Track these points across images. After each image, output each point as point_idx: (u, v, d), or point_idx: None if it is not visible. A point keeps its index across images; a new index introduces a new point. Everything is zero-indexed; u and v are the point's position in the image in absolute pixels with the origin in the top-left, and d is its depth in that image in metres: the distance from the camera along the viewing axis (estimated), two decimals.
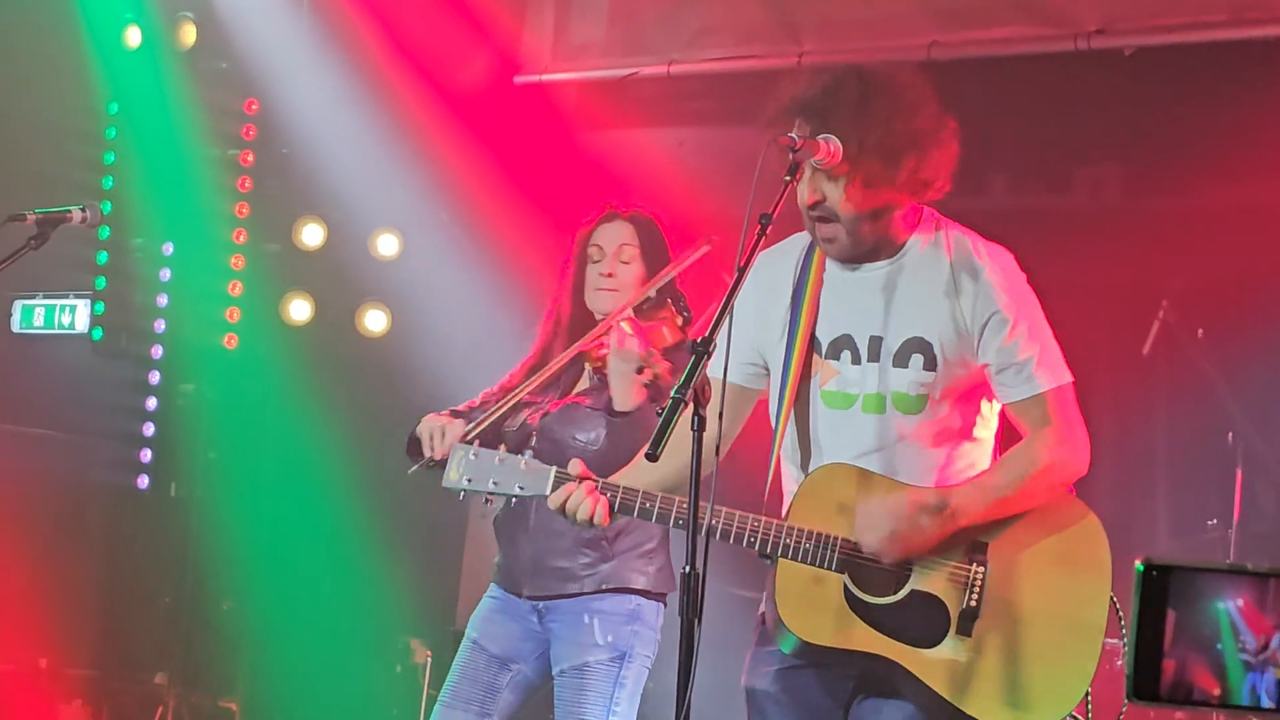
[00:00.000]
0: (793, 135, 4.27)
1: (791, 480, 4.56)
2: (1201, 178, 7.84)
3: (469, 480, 4.44)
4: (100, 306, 9.66)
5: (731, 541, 4.33)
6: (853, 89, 4.40)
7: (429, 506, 9.84)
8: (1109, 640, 4.57)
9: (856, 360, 4.49)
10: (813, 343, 4.55)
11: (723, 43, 8.75)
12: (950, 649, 4.29)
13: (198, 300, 9.70)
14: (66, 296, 9.80)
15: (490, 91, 9.31)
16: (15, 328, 9.92)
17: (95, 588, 9.87)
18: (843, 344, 4.51)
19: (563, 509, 4.43)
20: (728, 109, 8.99)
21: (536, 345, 5.65)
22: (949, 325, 4.43)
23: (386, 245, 9.59)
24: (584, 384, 5.56)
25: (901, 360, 4.44)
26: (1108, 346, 7.83)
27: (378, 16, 9.18)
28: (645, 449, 3.92)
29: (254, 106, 9.66)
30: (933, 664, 4.28)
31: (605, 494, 4.44)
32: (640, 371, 5.04)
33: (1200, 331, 7.90)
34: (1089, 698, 4.34)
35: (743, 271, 4.10)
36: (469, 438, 5.32)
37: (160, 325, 9.74)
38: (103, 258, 9.69)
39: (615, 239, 5.53)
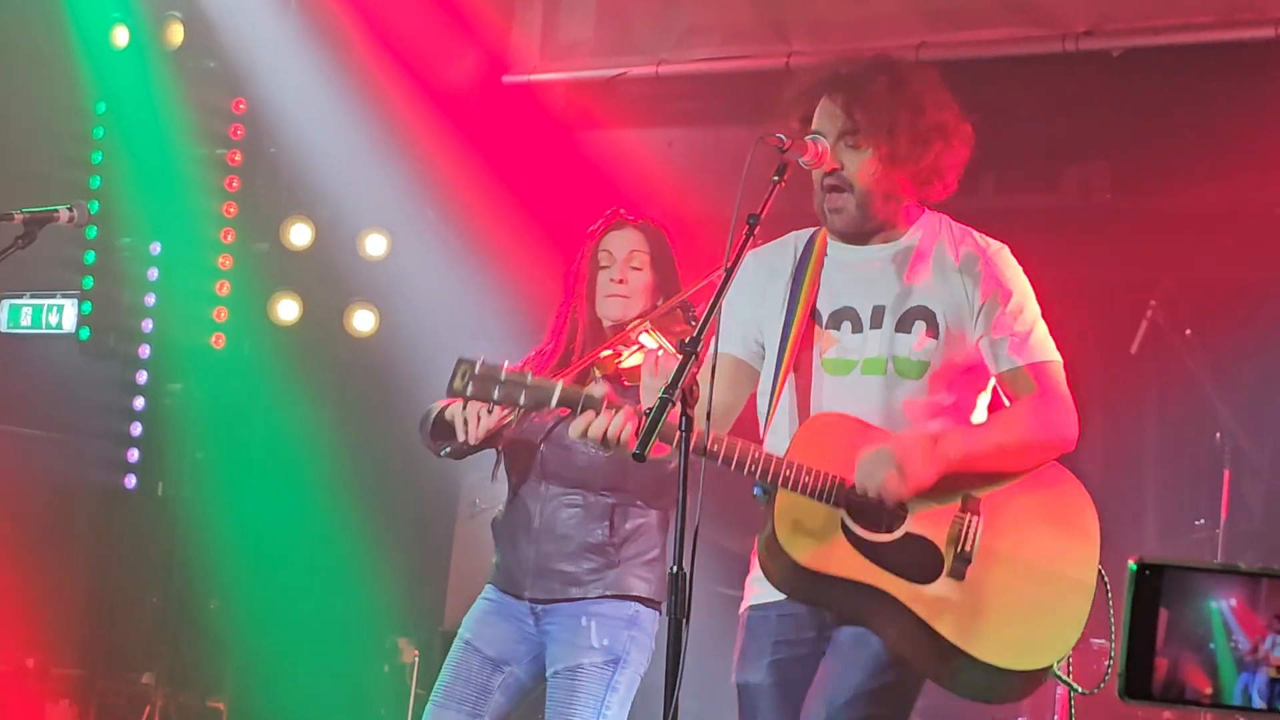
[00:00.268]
0: (780, 135, 4.32)
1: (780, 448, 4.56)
2: (1190, 177, 7.85)
3: (472, 388, 4.36)
4: (88, 306, 9.64)
5: (733, 467, 4.31)
6: (887, 71, 4.59)
7: (417, 506, 9.85)
8: (1095, 640, 4.59)
9: (858, 329, 4.58)
10: (813, 315, 4.63)
11: (711, 43, 8.74)
12: (943, 588, 4.31)
13: (185, 300, 9.68)
14: (54, 296, 9.78)
15: (478, 91, 9.30)
16: (2, 328, 9.89)
17: (83, 587, 9.85)
18: (844, 315, 4.61)
19: (585, 431, 4.33)
20: (716, 109, 8.99)
21: (555, 348, 5.60)
22: (952, 297, 4.55)
23: (374, 245, 9.58)
24: (589, 390, 5.54)
25: (905, 326, 4.54)
26: (1095, 346, 7.83)
27: (365, 16, 9.16)
28: (633, 449, 3.92)
29: (242, 106, 9.65)
30: (926, 599, 4.30)
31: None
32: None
33: (1188, 331, 7.91)
34: (1070, 663, 4.36)
35: (730, 271, 4.11)
36: (509, 418, 5.30)
37: (148, 325, 9.72)
38: (90, 257, 9.67)
39: (625, 246, 5.52)
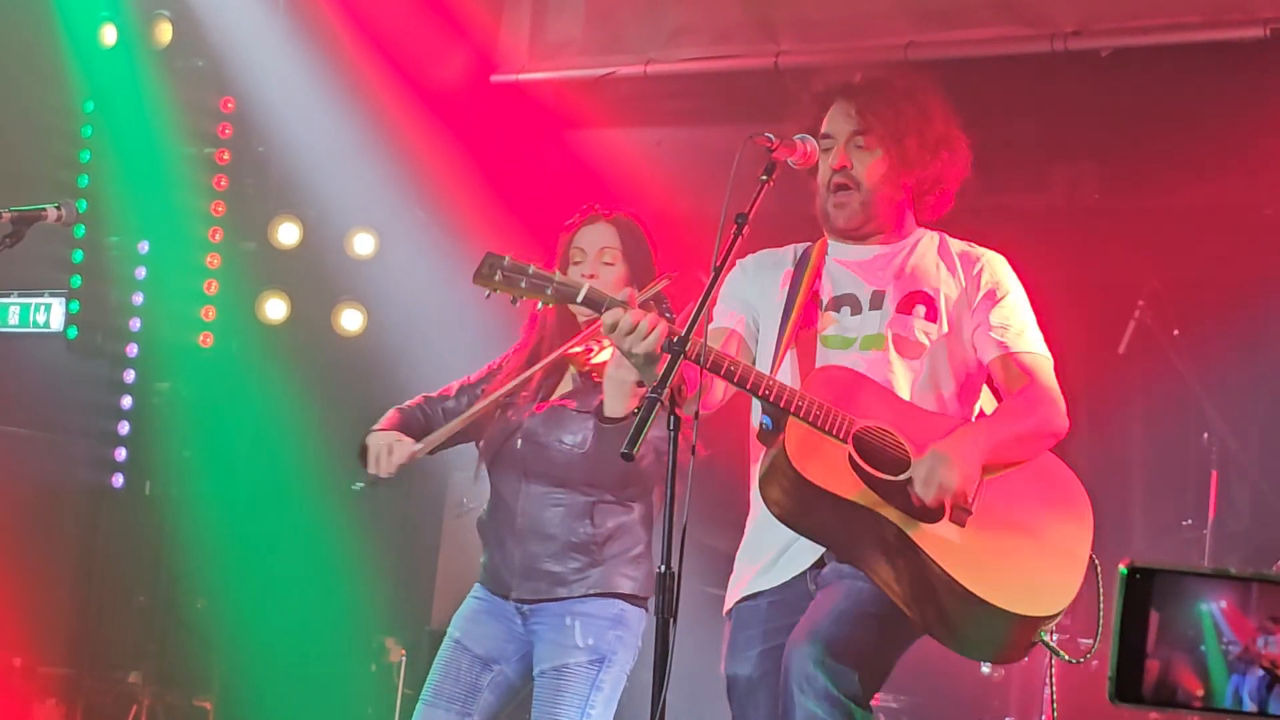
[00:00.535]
0: (769, 135, 4.35)
1: None
2: (1178, 178, 7.85)
3: (500, 276, 4.35)
4: (75, 305, 9.63)
5: (748, 388, 4.34)
6: (898, 80, 4.76)
7: (404, 505, 9.84)
8: (1083, 640, 4.59)
9: (858, 311, 4.66)
10: (813, 300, 4.70)
11: (700, 42, 8.73)
12: (946, 529, 4.33)
13: (173, 299, 9.67)
14: (42, 295, 9.75)
15: (467, 90, 9.29)
16: None
17: (70, 586, 9.83)
18: (844, 300, 4.69)
19: (615, 326, 4.28)
20: (705, 109, 8.98)
21: (522, 346, 5.62)
22: (952, 285, 4.66)
23: (363, 244, 9.57)
24: (566, 386, 5.54)
25: (906, 308, 4.63)
26: (1083, 346, 7.82)
27: (354, 15, 9.15)
28: (622, 448, 3.92)
29: (230, 105, 9.64)
30: (929, 534, 4.31)
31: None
32: (641, 385, 5.01)
33: (1176, 331, 7.92)
34: (1054, 633, 4.38)
35: (719, 271, 4.12)
36: (420, 450, 5.34)
37: (136, 323, 9.70)
38: (78, 256, 9.66)
39: (597, 241, 5.52)
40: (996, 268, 4.70)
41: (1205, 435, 7.92)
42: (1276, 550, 7.65)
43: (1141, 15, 7.70)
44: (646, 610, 5.47)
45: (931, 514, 4.32)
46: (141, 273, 9.67)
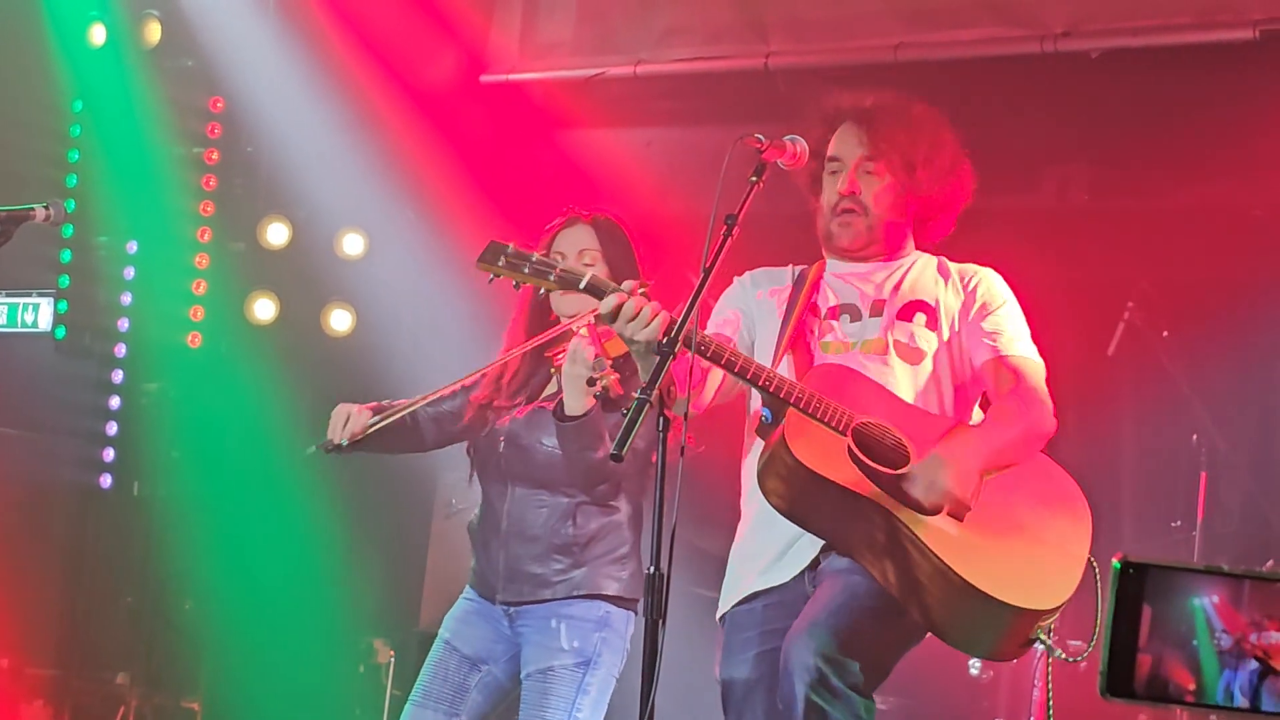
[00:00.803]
0: (759, 136, 4.35)
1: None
2: (1168, 179, 7.85)
3: (504, 261, 4.37)
4: (64, 305, 9.61)
5: (748, 378, 4.36)
6: (912, 108, 4.79)
7: (394, 506, 9.83)
8: (1072, 641, 4.60)
9: (857, 319, 4.69)
10: (813, 308, 4.73)
11: (690, 42, 8.74)
12: (944, 522, 4.33)
13: (162, 299, 9.66)
14: (29, 295, 9.73)
15: (457, 90, 9.28)
16: None
17: (57, 587, 9.81)
18: (843, 309, 4.73)
19: (616, 313, 4.30)
20: (695, 109, 8.98)
21: (504, 350, 5.63)
22: (952, 298, 4.70)
23: (352, 244, 9.56)
24: (551, 388, 5.55)
25: (906, 315, 4.67)
26: (1072, 347, 7.83)
27: (344, 14, 9.14)
28: (611, 450, 3.92)
29: (219, 104, 9.63)
30: (928, 525, 4.32)
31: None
32: (591, 384, 5.02)
33: (1165, 333, 7.92)
34: (1051, 630, 4.38)
35: (708, 272, 4.13)
36: (377, 424, 5.39)
37: (124, 324, 9.69)
38: (66, 256, 9.64)
39: (577, 244, 5.52)
40: (992, 282, 4.75)
41: (1195, 437, 7.92)
42: (1266, 552, 7.66)
43: (1132, 16, 7.71)
44: (635, 613, 5.47)
45: (930, 509, 4.33)
46: (130, 273, 9.65)
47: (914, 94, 4.90)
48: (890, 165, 4.69)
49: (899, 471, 4.34)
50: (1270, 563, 7.47)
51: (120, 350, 9.74)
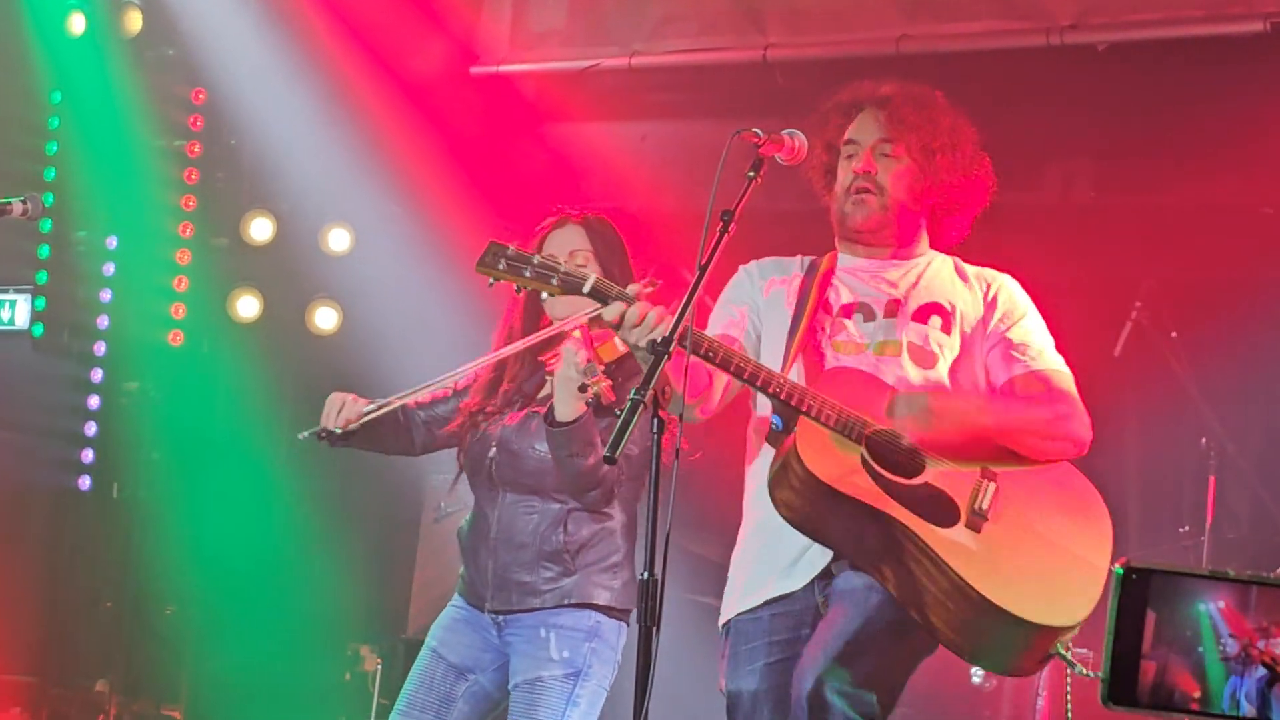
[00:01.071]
0: (756, 130, 4.34)
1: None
2: (1176, 175, 7.86)
3: (505, 264, 4.34)
4: (41, 302, 9.60)
5: (758, 385, 4.36)
6: (928, 94, 4.81)
7: (381, 510, 9.82)
8: (1079, 649, 4.59)
9: (871, 318, 4.68)
10: (824, 307, 4.70)
11: (686, 33, 8.73)
12: (960, 534, 4.33)
13: (142, 296, 9.65)
14: (6, 291, 9.73)
15: (446, 82, 9.27)
16: None
17: (35, 592, 9.80)
18: (856, 308, 4.71)
19: (621, 320, 4.28)
20: (691, 102, 8.98)
21: (494, 351, 5.62)
22: (969, 303, 4.69)
23: (338, 240, 9.55)
24: (546, 391, 5.54)
25: (922, 317, 4.66)
26: (1078, 348, 7.81)
27: (330, 3, 9.13)
28: (605, 452, 3.92)
29: (201, 96, 9.62)
30: (943, 539, 4.31)
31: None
32: (582, 390, 5.02)
33: (1173, 333, 7.92)
34: (1070, 645, 4.37)
35: (704, 269, 4.12)
36: (371, 413, 5.42)
37: (103, 321, 9.68)
38: (44, 251, 9.63)
39: (567, 244, 5.51)
40: (1011, 290, 4.76)
41: (1203, 440, 7.92)
42: (1276, 559, 7.65)
43: (1139, 9, 7.71)
44: (627, 623, 5.47)
45: (947, 518, 4.32)
46: (110, 269, 9.65)
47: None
48: (909, 148, 4.69)
49: (914, 481, 4.33)
50: None
51: (100, 348, 9.73)
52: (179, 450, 9.68)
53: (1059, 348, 4.77)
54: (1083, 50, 7.80)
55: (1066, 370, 4.65)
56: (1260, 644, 1.97)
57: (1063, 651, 4.34)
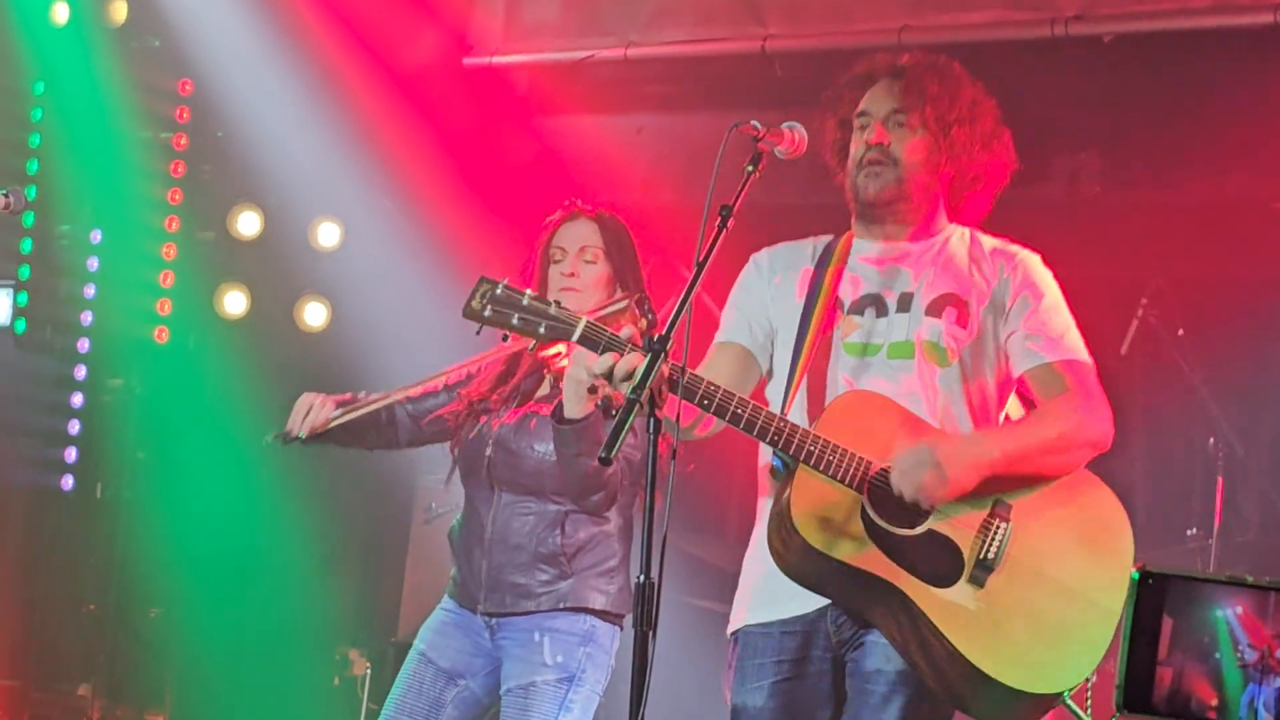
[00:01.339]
0: (755, 123, 4.31)
1: None
2: (1184, 170, 7.85)
3: (491, 311, 4.25)
4: (24, 297, 9.59)
5: (755, 433, 4.29)
6: (945, 64, 4.73)
7: (371, 511, 9.82)
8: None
9: (883, 313, 4.59)
10: (836, 303, 4.63)
11: (683, 24, 8.73)
12: (960, 594, 4.28)
13: (127, 291, 9.64)
14: None
15: (438, 73, 9.26)
16: None
17: (15, 594, 9.79)
18: (868, 302, 4.63)
19: (610, 372, 4.18)
20: (688, 94, 8.98)
21: (495, 347, 5.60)
22: (982, 290, 4.60)
23: (327, 234, 9.55)
24: (545, 390, 5.53)
25: (935, 311, 4.57)
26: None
27: None
28: (599, 452, 3.90)
29: (188, 87, 9.61)
30: (941, 603, 4.26)
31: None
32: (593, 391, 4.99)
33: (1181, 331, 7.90)
34: (1090, 687, 4.34)
35: (702, 266, 4.10)
36: (340, 418, 5.42)
37: (87, 317, 9.67)
38: (27, 245, 9.62)
39: (578, 240, 5.51)
40: (1031, 268, 4.66)
41: (1211, 440, 7.91)
42: None
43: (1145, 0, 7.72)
44: (621, 628, 5.46)
45: (948, 575, 4.28)
46: (94, 263, 9.63)
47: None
48: (923, 118, 4.60)
49: (914, 532, 4.28)
50: None
51: (83, 345, 9.72)
52: (164, 449, 9.67)
53: None
54: (1089, 41, 7.80)
55: (1084, 358, 4.57)
56: (1279, 651, 1.96)
57: (1069, 702, 4.31)
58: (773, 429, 4.29)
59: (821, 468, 4.28)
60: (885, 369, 4.53)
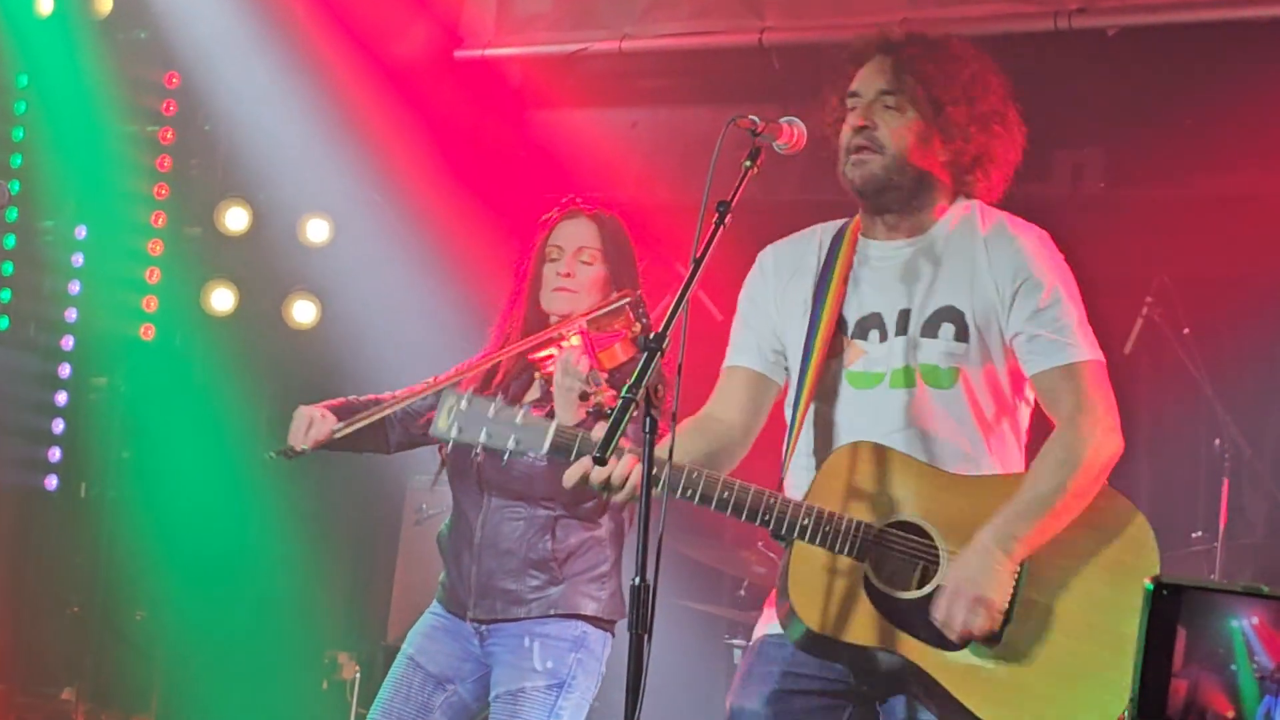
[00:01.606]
0: (753, 117, 4.29)
1: (804, 473, 4.48)
2: (1188, 165, 7.85)
3: (459, 430, 4.25)
4: (7, 294, 9.59)
5: (744, 516, 4.25)
6: (943, 41, 4.61)
7: (360, 512, 9.81)
8: None
9: (884, 337, 4.50)
10: (840, 324, 4.55)
11: (678, 16, 8.72)
12: (975, 654, 4.21)
13: (112, 288, 9.64)
14: None
15: (429, 66, 9.26)
16: None
17: None
18: (871, 323, 4.53)
19: (585, 477, 4.21)
20: (684, 88, 8.97)
21: (491, 347, 5.59)
22: (981, 291, 4.46)
23: (316, 230, 9.54)
24: (534, 393, 5.51)
25: (931, 330, 4.46)
26: None
27: None
28: (594, 452, 3.88)
29: (175, 80, 9.61)
30: (954, 668, 4.20)
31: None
32: (584, 399, 4.96)
33: (1186, 330, 7.89)
34: None
35: (698, 263, 4.08)
36: (341, 430, 5.39)
37: (72, 314, 9.67)
38: (10, 241, 9.61)
39: (576, 239, 5.49)
40: (1030, 253, 4.50)
41: (1217, 441, 7.89)
42: None
43: None
44: (612, 634, 5.44)
45: (952, 643, 4.21)
46: (79, 259, 9.63)
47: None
48: (913, 99, 4.49)
49: (921, 594, 4.22)
50: None
51: (68, 343, 9.71)
52: (150, 449, 9.67)
53: None
54: (1092, 35, 7.80)
55: (1091, 355, 4.44)
56: None
57: None
58: (761, 509, 4.25)
59: (818, 542, 4.24)
60: (888, 401, 4.45)
